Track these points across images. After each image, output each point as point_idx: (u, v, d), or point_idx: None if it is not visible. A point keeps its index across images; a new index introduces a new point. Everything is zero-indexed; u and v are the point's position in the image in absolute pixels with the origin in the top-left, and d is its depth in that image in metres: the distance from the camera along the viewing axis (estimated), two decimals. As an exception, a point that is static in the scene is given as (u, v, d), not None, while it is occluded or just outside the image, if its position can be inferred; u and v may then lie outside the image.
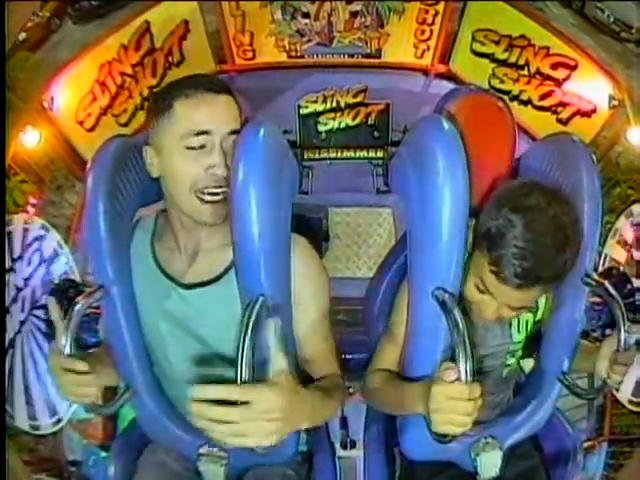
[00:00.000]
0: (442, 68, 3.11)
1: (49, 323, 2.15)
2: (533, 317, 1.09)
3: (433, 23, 3.01)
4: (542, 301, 1.09)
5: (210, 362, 0.97)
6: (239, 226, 0.86)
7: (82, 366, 0.85)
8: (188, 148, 0.87)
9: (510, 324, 1.07)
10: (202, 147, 0.87)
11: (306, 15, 3.06)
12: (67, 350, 0.87)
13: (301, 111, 3.26)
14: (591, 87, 2.71)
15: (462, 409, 0.80)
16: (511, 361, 1.10)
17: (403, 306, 1.00)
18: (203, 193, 0.88)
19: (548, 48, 2.78)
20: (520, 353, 1.11)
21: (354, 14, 3.07)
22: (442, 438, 0.90)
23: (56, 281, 2.29)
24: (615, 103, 2.58)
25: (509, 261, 0.86)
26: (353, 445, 1.85)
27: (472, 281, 0.95)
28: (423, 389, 0.85)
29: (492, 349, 1.06)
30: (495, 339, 1.06)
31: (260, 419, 0.72)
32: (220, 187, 0.87)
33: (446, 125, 0.92)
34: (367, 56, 3.16)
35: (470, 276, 0.95)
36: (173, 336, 0.97)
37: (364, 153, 3.36)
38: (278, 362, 0.76)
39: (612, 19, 2.59)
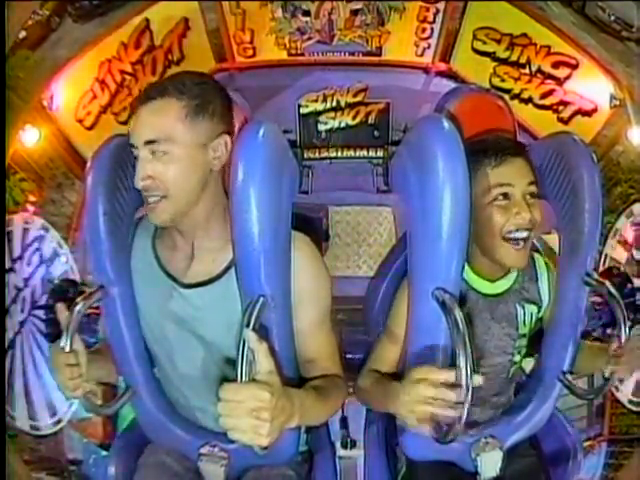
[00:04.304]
0: (443, 66, 3.10)
1: (49, 323, 2.15)
2: (537, 310, 1.10)
3: (434, 21, 3.00)
4: (546, 298, 1.10)
5: (211, 362, 0.97)
6: (239, 226, 0.86)
7: (74, 359, 0.88)
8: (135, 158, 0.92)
9: (516, 314, 1.07)
10: (136, 159, 0.90)
11: (307, 13, 3.05)
12: (67, 348, 0.88)
13: (301, 110, 3.25)
14: (592, 86, 2.71)
15: (429, 391, 0.81)
16: (517, 358, 1.10)
17: (403, 305, 1.00)
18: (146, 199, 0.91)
19: (549, 47, 2.77)
20: (524, 351, 1.11)
21: (355, 12, 3.06)
22: (442, 438, 0.90)
23: (56, 281, 2.28)
24: (616, 102, 2.57)
25: (488, 148, 1.01)
26: (353, 445, 1.84)
27: (493, 209, 0.99)
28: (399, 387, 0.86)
29: (499, 341, 1.07)
30: (502, 330, 1.06)
31: (250, 417, 0.72)
32: (147, 197, 0.90)
33: (446, 125, 0.92)
34: (368, 54, 3.15)
35: (489, 212, 0.99)
36: (174, 335, 0.97)
37: (364, 152, 3.35)
38: (265, 363, 0.76)
39: (613, 18, 2.58)
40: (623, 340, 0.97)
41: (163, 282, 0.96)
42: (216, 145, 0.90)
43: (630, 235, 2.39)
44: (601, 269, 2.32)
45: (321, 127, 3.33)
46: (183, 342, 0.97)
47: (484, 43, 2.93)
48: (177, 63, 2.90)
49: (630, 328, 1.00)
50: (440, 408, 0.81)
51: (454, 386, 0.80)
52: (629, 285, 2.31)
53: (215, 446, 0.98)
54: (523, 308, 1.08)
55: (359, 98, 3.28)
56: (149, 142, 0.87)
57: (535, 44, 2.80)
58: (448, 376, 0.81)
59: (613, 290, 1.01)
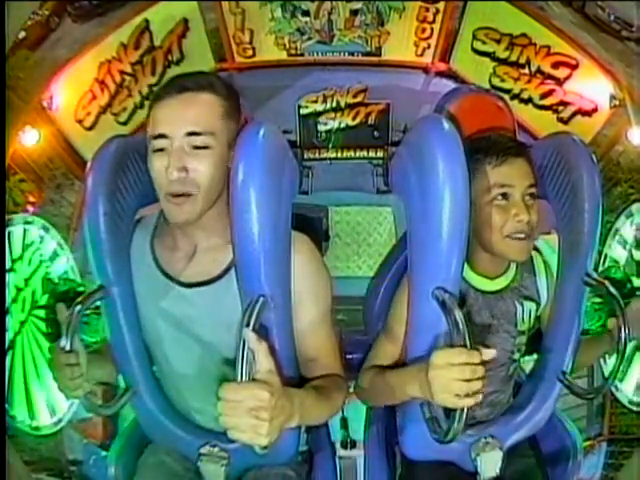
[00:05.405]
0: (443, 66, 3.10)
1: (49, 323, 2.16)
2: (536, 308, 1.10)
3: (434, 21, 3.01)
4: (544, 294, 1.10)
5: (209, 362, 0.97)
6: (239, 226, 0.86)
7: (74, 359, 0.88)
8: (153, 151, 0.89)
9: (515, 312, 1.07)
10: (162, 150, 0.87)
11: (306, 13, 3.05)
12: (67, 348, 0.88)
13: (301, 111, 3.26)
14: (592, 86, 2.71)
15: (460, 373, 0.79)
16: (517, 356, 1.10)
17: (402, 304, 1.00)
18: (168, 196, 0.88)
19: (549, 47, 2.78)
20: (524, 348, 1.11)
21: (354, 12, 3.07)
22: (442, 438, 0.90)
23: (56, 281, 2.29)
24: (616, 102, 2.58)
25: (490, 147, 1.01)
26: (353, 445, 1.85)
27: (492, 209, 0.99)
28: (419, 369, 0.86)
29: (498, 339, 1.07)
30: (501, 327, 1.07)
31: (249, 416, 0.72)
32: (179, 190, 0.87)
33: (446, 125, 0.92)
34: (367, 54, 3.16)
35: (489, 211, 0.99)
36: (172, 335, 0.97)
37: (364, 153, 3.36)
38: (264, 363, 0.76)
39: (612, 17, 2.58)
40: (623, 339, 0.97)
41: (161, 282, 0.96)
42: (234, 145, 0.90)
43: (630, 235, 2.39)
44: (601, 269, 2.33)
45: (321, 127, 3.34)
46: (181, 342, 0.97)
47: (484, 43, 2.94)
48: (177, 63, 2.91)
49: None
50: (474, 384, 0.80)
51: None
52: (629, 285, 2.31)
53: (215, 446, 0.98)
54: (522, 305, 1.08)
55: (359, 99, 3.29)
56: (192, 134, 0.86)
57: (535, 44, 2.81)
58: (475, 357, 0.81)
59: (613, 290, 1.01)
